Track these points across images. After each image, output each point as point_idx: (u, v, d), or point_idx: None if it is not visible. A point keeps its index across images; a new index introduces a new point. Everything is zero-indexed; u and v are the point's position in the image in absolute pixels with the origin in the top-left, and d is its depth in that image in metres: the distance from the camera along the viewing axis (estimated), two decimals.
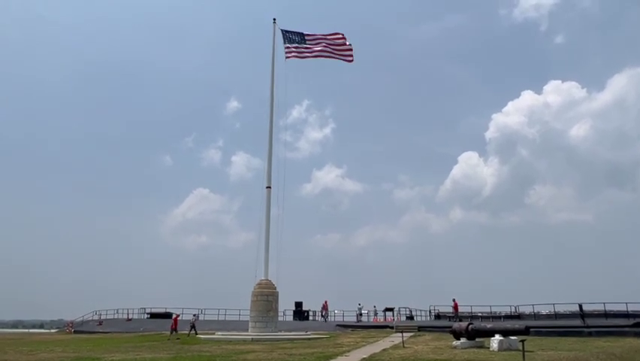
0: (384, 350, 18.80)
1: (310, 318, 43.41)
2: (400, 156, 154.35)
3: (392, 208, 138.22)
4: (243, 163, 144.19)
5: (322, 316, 41.57)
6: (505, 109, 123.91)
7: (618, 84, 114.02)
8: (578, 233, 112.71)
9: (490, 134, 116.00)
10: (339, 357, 16.14)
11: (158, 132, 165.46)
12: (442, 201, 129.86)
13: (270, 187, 32.05)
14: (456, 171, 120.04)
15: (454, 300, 36.56)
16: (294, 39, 33.65)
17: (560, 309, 31.34)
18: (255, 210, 32.64)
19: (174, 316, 32.13)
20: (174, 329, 29.30)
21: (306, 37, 33.63)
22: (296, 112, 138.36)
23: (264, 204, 31.69)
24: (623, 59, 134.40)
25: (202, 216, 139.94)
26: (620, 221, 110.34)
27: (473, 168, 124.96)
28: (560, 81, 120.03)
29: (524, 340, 14.72)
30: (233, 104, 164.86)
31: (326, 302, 41.79)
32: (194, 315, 34.15)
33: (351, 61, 33.35)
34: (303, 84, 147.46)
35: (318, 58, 33.47)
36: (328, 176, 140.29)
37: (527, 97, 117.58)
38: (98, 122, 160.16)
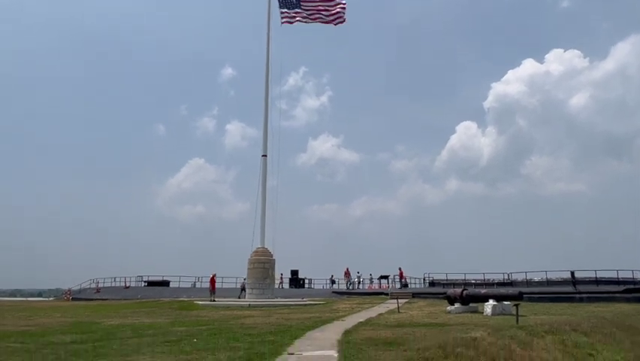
0: (380, 315, 19.09)
1: (306, 286, 43.98)
2: (397, 126, 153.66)
3: (389, 179, 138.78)
4: (237, 132, 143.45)
5: (346, 283, 41.73)
6: (504, 78, 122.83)
7: (621, 52, 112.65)
8: (572, 203, 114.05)
9: (488, 103, 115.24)
10: (335, 321, 16.35)
11: (151, 101, 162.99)
12: (438, 172, 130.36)
13: (265, 155, 31.89)
14: (454, 141, 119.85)
15: (399, 268, 40.40)
16: (290, 3, 32.77)
17: (552, 276, 31.86)
18: (251, 181, 32.78)
19: (211, 276, 31.50)
20: (213, 290, 29.45)
21: (302, 1, 32.72)
22: (292, 79, 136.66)
23: (260, 172, 31.65)
24: (629, 25, 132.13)
25: (198, 186, 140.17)
26: (614, 192, 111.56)
27: (471, 138, 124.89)
28: (562, 50, 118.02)
29: (518, 304, 14.96)
30: (228, 71, 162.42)
31: (347, 269, 42.10)
32: (245, 279, 32.98)
33: (343, 22, 32.49)
34: (299, 50, 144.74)
35: (313, 22, 32.73)
36: (324, 145, 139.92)
37: (528, 65, 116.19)
38: (89, 92, 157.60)
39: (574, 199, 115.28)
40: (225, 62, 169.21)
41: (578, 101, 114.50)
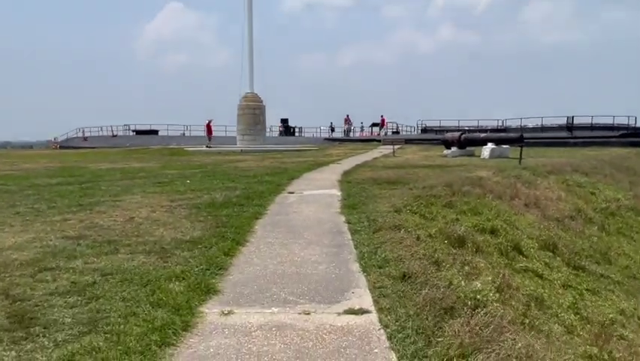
0: (375, 158, 18.89)
1: (296, 134, 43.82)
2: None
3: (380, 25, 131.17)
4: None
5: (345, 131, 40.88)
6: None
7: None
8: (569, 53, 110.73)
9: None
10: (331, 165, 16.05)
11: None
12: (432, 18, 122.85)
13: None
14: None
15: (381, 116, 39.81)
16: None
17: (547, 122, 31.55)
18: (235, 27, 29.92)
19: (207, 122, 30.58)
20: (210, 136, 29.06)
21: None
22: None
23: (245, 9, 28.75)
24: None
25: (178, 33, 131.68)
26: (612, 41, 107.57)
27: None
28: None
29: (522, 146, 14.57)
30: None
31: (347, 116, 40.85)
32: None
33: None
34: None
35: None
36: None
37: None
38: None
39: (571, 49, 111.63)
40: None
41: None
